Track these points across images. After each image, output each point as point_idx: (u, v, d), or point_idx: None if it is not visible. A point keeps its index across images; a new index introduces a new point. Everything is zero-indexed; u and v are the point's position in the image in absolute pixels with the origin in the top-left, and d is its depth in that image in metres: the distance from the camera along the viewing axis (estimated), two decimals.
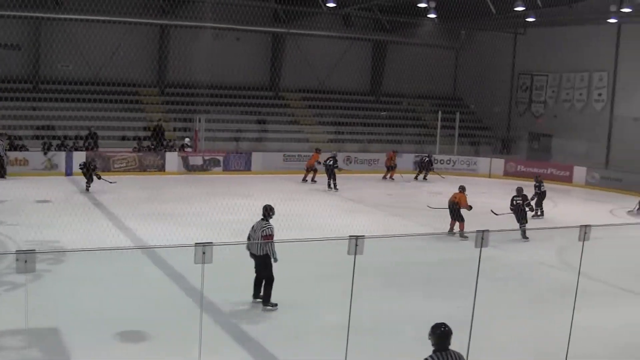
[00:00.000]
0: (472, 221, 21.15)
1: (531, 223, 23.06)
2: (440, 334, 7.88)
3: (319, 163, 33.38)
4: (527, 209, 22.57)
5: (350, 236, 8.85)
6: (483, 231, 9.59)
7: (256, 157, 36.61)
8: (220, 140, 37.33)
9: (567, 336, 10.37)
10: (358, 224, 21.20)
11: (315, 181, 33.76)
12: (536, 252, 19.88)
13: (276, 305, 13.91)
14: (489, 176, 38.47)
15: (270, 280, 13.89)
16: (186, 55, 39.11)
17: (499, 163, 39.91)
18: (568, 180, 37.35)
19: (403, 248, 18.38)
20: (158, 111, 38.97)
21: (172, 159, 34.96)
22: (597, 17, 36.15)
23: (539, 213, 26.38)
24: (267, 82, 43.53)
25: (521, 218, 21.86)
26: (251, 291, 14.17)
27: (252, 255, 14.06)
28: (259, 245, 13.83)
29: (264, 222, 14.39)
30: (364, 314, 9.14)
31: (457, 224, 21.55)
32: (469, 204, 21.98)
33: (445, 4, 35.98)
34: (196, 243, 8.26)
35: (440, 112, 41.71)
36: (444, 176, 35.96)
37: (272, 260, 13.86)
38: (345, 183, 32.88)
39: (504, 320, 14.06)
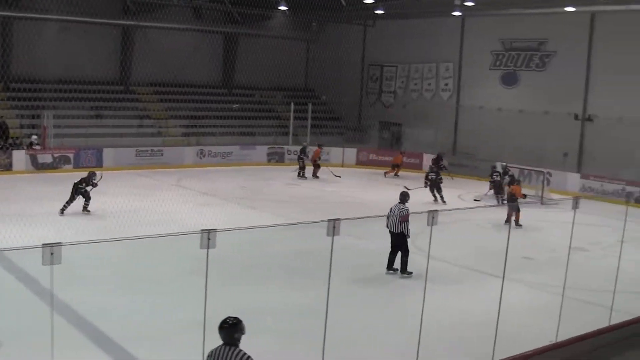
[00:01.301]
0: (321, 210, 21.40)
1: (385, 210, 23.56)
2: (220, 328, 7.92)
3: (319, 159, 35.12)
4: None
5: (202, 230, 8.84)
6: (334, 220, 9.74)
7: (107, 153, 35.87)
8: (70, 137, 36.40)
9: (420, 317, 10.65)
10: (213, 217, 21.23)
11: (317, 177, 34.85)
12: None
13: (411, 273, 16.67)
14: (342, 165, 39.01)
15: (406, 253, 16.93)
16: (31, 48, 37.92)
17: (351, 152, 40.57)
18: (418, 167, 38.30)
19: (258, 240, 18.50)
20: (2, 107, 37.63)
21: (19, 157, 33.73)
22: (442, 10, 37.10)
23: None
24: (117, 76, 42.67)
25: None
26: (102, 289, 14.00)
27: (391, 232, 17.07)
28: (396, 224, 16.83)
29: (401, 205, 17.11)
30: (221, 309, 9.13)
31: (514, 213, 22.99)
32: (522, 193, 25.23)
33: None
34: (43, 244, 8.07)
35: (292, 104, 41.94)
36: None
37: (407, 237, 16.87)
38: (199, 176, 32.78)
39: (360, 306, 14.37)
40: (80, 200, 23.92)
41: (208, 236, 8.97)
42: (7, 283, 15.01)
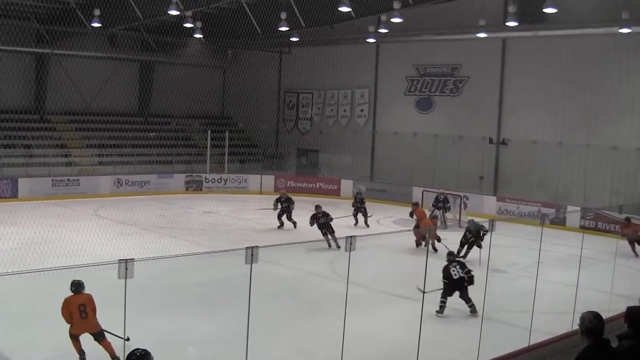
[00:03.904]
0: (239, 239, 21.43)
1: (300, 236, 23.75)
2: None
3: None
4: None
5: (120, 260, 8.85)
6: (252, 247, 9.81)
7: (23, 183, 35.29)
8: None
9: (341, 343, 10.77)
10: (132, 247, 21.07)
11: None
12: (308, 264, 20.46)
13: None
14: (260, 193, 39.03)
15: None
16: None
17: (269, 179, 40.57)
18: (336, 193, 38.59)
19: (178, 269, 18.44)
20: None
21: None
22: (357, 37, 37.51)
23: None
24: (32, 104, 42.06)
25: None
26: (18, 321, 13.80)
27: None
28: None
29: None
30: (140, 338, 9.12)
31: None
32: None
33: (211, 24, 36.30)
34: None
35: (209, 132, 41.86)
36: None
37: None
38: (117, 205, 32.52)
39: (281, 332, 14.44)
40: None
41: (126, 266, 8.98)
42: None
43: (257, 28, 35.87)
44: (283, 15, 32.49)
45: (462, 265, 16.53)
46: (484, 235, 20.67)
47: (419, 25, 35.27)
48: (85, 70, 41.66)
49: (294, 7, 32.55)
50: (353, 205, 30.54)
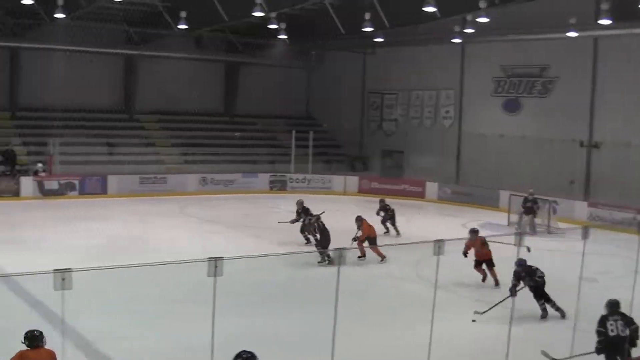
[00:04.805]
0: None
1: (386, 239, 23.64)
2: None
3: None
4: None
5: (209, 258, 8.89)
6: (340, 249, 9.78)
7: (112, 180, 36.06)
8: (75, 164, 36.64)
9: (427, 346, 10.67)
10: (218, 245, 21.27)
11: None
12: (393, 267, 20.36)
13: None
14: (344, 193, 39.01)
15: None
16: (38, 77, 38.35)
17: (353, 180, 40.50)
18: (421, 195, 38.31)
19: (264, 268, 18.52)
20: (10, 135, 37.87)
21: (27, 183, 34.11)
22: (442, 37, 37.09)
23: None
24: (122, 104, 42.98)
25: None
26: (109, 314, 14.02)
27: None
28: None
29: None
30: (227, 336, 9.17)
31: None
32: None
33: (296, 25, 36.42)
34: (55, 270, 8.13)
35: (294, 132, 41.98)
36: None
37: None
38: (202, 203, 32.81)
39: (364, 333, 14.37)
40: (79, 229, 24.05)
41: (215, 264, 9.02)
42: (16, 307, 15.03)
43: (341, 29, 35.80)
44: (367, 16, 32.32)
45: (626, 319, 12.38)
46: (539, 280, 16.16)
47: (506, 25, 34.47)
48: (172, 70, 42.42)
49: (378, 7, 32.38)
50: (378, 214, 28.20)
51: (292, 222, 24.57)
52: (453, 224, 29.56)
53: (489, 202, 34.08)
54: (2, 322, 13.90)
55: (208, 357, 8.88)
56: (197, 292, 10.14)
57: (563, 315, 15.89)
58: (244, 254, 18.80)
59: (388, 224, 27.07)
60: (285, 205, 34.01)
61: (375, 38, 37.80)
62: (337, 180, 40.38)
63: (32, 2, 29.95)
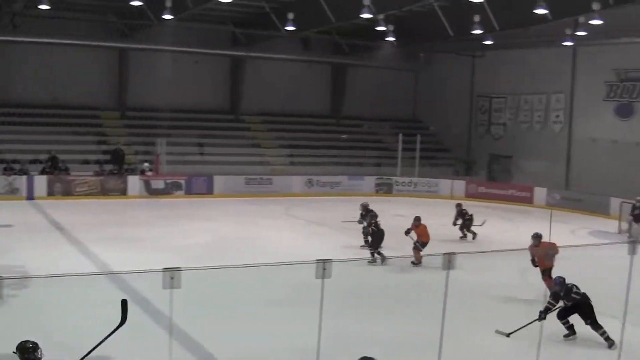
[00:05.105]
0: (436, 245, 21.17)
1: (494, 244, 23.22)
2: None
3: None
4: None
5: (317, 260, 8.82)
6: (449, 254, 9.61)
7: (218, 180, 36.45)
8: (182, 164, 37.24)
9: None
10: (322, 247, 21.22)
11: None
12: (500, 273, 19.96)
13: None
14: (451, 198, 38.46)
15: None
16: (146, 78, 39.15)
17: (460, 185, 39.97)
18: (529, 201, 37.53)
19: (369, 270, 18.43)
20: (119, 135, 38.76)
21: (134, 182, 34.80)
22: (553, 39, 36.42)
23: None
24: (228, 105, 43.49)
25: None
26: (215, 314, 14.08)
27: None
28: None
29: None
30: (333, 337, 9.08)
31: None
32: None
33: (404, 27, 36.17)
34: (164, 268, 8.17)
35: (400, 135, 41.70)
36: None
37: None
38: (308, 205, 32.87)
39: (475, 339, 14.09)
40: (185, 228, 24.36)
41: (324, 266, 8.95)
42: (118, 301, 15.16)
43: (450, 31, 35.39)
44: (476, 18, 31.93)
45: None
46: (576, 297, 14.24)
47: (620, 27, 33.56)
48: (278, 72, 42.76)
49: (488, 9, 31.87)
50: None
51: (359, 222, 24.28)
52: (561, 231, 28.87)
53: (600, 209, 33.18)
54: (107, 319, 14.06)
55: (313, 358, 8.79)
56: (304, 293, 10.05)
57: (610, 345, 13.72)
58: (351, 256, 18.88)
59: (465, 230, 26.55)
60: (390, 209, 33.83)
61: (485, 40, 37.26)
62: (444, 185, 39.92)
63: (140, 3, 30.51)
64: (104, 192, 34.10)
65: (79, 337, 12.91)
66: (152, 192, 34.91)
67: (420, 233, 20.96)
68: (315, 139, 43.39)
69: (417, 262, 20.51)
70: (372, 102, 45.07)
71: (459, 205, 26.96)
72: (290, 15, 33.53)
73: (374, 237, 21.51)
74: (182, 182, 35.68)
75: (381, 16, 32.61)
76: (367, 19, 32.03)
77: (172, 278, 8.12)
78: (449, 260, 9.83)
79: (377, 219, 22.11)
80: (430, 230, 21.67)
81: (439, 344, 9.65)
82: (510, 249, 22.32)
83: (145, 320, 14.08)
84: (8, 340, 11.84)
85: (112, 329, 9.30)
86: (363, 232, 22.97)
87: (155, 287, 8.30)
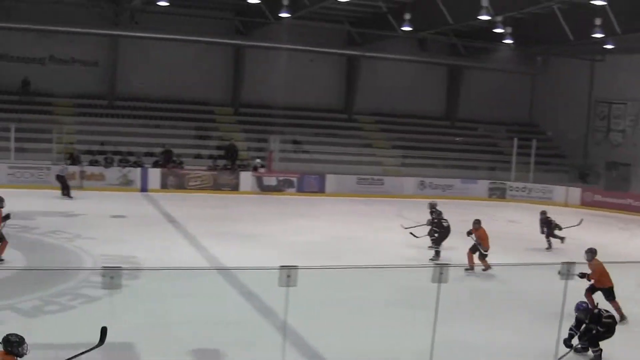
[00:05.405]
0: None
1: (609, 256, 22.49)
2: None
3: None
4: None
5: (435, 264, 8.63)
6: (568, 263, 9.26)
7: (330, 179, 36.53)
8: (294, 162, 37.44)
9: None
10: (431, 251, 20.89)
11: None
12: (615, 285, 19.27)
13: None
14: (565, 205, 37.50)
15: None
16: (260, 75, 39.56)
17: (575, 192, 38.90)
18: None
19: (484, 276, 18.07)
20: (232, 130, 39.20)
21: (246, 178, 35.19)
22: None
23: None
24: (341, 104, 43.56)
25: None
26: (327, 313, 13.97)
27: None
28: None
29: None
30: (446, 343, 8.84)
31: None
32: None
33: (522, 29, 35.48)
34: (281, 266, 8.11)
35: (516, 139, 40.96)
36: None
37: None
38: (420, 207, 32.58)
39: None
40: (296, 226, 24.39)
41: (441, 270, 8.77)
42: (231, 298, 15.22)
43: (569, 34, 34.61)
44: (597, 21, 31.04)
45: None
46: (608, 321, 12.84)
47: None
48: (393, 72, 42.60)
49: (610, 12, 30.96)
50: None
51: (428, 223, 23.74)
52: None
53: None
54: (215, 313, 14.11)
55: None
56: (417, 296, 9.83)
57: None
58: (465, 261, 18.54)
59: (550, 239, 24.59)
60: (503, 214, 33.27)
61: (605, 44, 36.31)
62: (559, 191, 38.92)
63: (258, 1, 30.70)
64: (217, 186, 34.53)
65: (192, 329, 13.00)
66: (264, 189, 35.21)
67: (480, 236, 19.89)
68: (429, 140, 43.05)
69: (469, 268, 18.98)
70: (488, 105, 44.47)
71: (543, 213, 25.18)
72: (407, 16, 33.24)
73: (439, 234, 21.21)
74: (294, 179, 35.86)
75: (499, 18, 32.10)
76: (485, 21, 31.55)
77: (288, 276, 8.05)
78: (567, 270, 9.53)
79: (443, 216, 21.81)
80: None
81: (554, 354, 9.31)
82: (627, 261, 21.65)
83: (254, 318, 14.05)
84: (117, 329, 12.02)
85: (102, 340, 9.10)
86: (429, 233, 22.34)
87: (267, 284, 8.23)
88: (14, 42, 37.13)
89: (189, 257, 19.37)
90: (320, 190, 35.99)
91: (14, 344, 8.47)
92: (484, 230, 19.55)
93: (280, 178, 35.73)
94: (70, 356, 8.86)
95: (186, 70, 39.44)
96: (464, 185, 38.83)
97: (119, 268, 7.45)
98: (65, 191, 30.35)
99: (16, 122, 34.64)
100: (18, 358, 8.52)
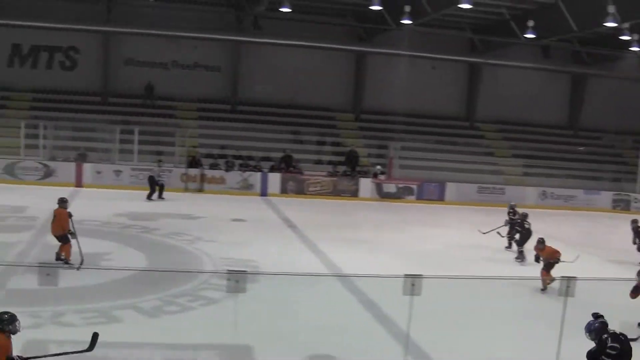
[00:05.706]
0: None
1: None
2: None
3: None
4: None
5: (562, 277, 8.36)
6: None
7: (450, 187, 36.17)
8: (414, 169, 37.21)
9: None
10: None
11: None
12: None
13: None
14: None
15: None
16: (382, 82, 39.49)
17: None
18: None
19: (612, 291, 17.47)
20: (353, 137, 39.26)
21: (365, 185, 35.17)
22: None
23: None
24: (463, 111, 43.16)
25: None
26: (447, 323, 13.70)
27: None
28: None
29: None
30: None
31: None
32: None
33: None
34: (405, 275, 7.98)
35: None
36: None
37: None
38: (541, 218, 31.94)
39: None
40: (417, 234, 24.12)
41: (567, 284, 8.50)
42: (351, 305, 15.12)
43: None
44: None
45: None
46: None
47: None
48: (515, 80, 41.99)
49: None
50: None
51: (498, 232, 23.46)
52: None
53: None
54: (334, 320, 14.01)
55: None
56: (540, 309, 9.51)
57: None
58: (592, 274, 17.94)
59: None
60: (626, 226, 32.18)
61: None
62: None
63: (380, 8, 30.62)
64: (336, 192, 34.59)
65: (310, 335, 12.93)
66: (383, 196, 35.13)
67: (548, 257, 17.86)
68: (551, 150, 42.21)
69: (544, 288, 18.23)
70: (612, 113, 43.30)
71: (634, 222, 23.52)
72: (530, 23, 32.72)
73: (522, 235, 21.53)
74: (414, 187, 35.62)
75: (626, 25, 31.23)
76: (611, 28, 30.71)
77: (413, 285, 7.91)
78: None
79: (527, 219, 21.97)
80: None
81: None
82: None
83: (374, 326, 13.89)
84: (235, 332, 12.06)
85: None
86: (508, 235, 22.93)
87: (389, 292, 8.07)
88: (141, 48, 38.15)
89: (308, 262, 19.37)
90: (440, 198, 35.67)
91: (5, 321, 8.54)
92: (550, 248, 18.17)
93: (400, 185, 35.59)
94: (73, 350, 8.87)
95: (308, 76, 39.75)
96: (587, 197, 37.90)
97: (244, 272, 7.41)
98: (150, 193, 30.28)
99: (140, 125, 35.41)
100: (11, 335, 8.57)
